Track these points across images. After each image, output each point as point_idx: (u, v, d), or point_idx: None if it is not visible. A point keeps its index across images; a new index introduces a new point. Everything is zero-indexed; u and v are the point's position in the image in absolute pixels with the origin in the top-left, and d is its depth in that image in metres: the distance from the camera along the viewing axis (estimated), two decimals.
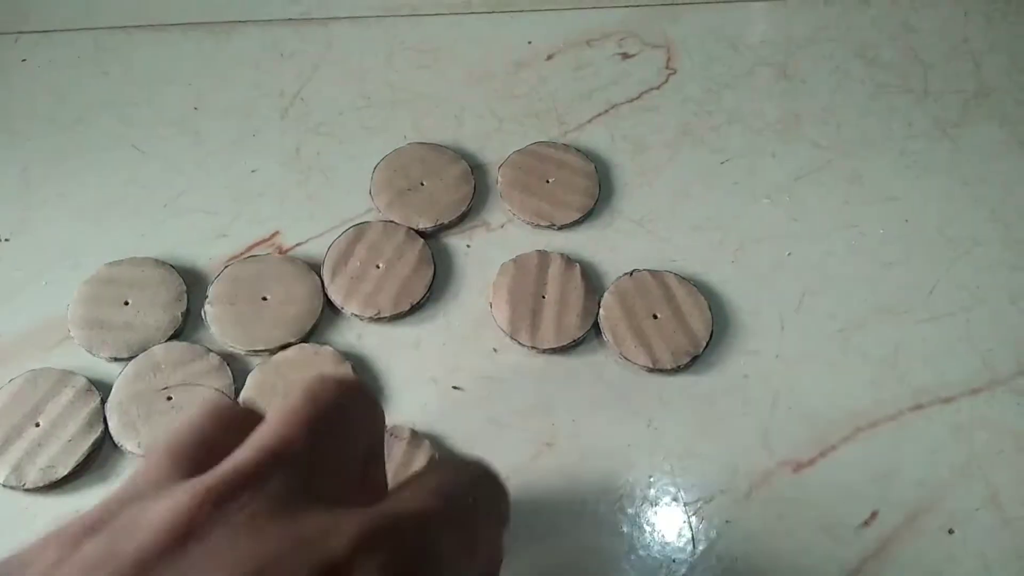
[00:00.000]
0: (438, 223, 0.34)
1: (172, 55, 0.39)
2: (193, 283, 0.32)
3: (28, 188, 0.36)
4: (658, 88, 0.39)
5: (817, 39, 0.40)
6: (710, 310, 0.31)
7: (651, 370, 0.30)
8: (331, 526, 0.15)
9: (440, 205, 0.34)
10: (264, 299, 0.31)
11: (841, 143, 0.37)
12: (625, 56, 0.40)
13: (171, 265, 0.32)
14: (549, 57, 0.40)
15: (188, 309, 0.32)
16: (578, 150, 0.36)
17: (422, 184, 0.34)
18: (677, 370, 0.30)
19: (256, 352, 0.31)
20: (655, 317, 0.31)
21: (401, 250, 0.33)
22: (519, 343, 0.31)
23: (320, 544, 0.15)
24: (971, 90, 0.39)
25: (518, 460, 0.29)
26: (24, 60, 0.39)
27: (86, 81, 0.39)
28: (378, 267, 0.32)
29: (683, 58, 0.39)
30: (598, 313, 0.31)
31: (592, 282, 0.32)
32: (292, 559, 0.15)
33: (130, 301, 0.31)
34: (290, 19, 0.41)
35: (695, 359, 0.30)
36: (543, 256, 0.32)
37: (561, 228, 0.34)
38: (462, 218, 0.34)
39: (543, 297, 0.31)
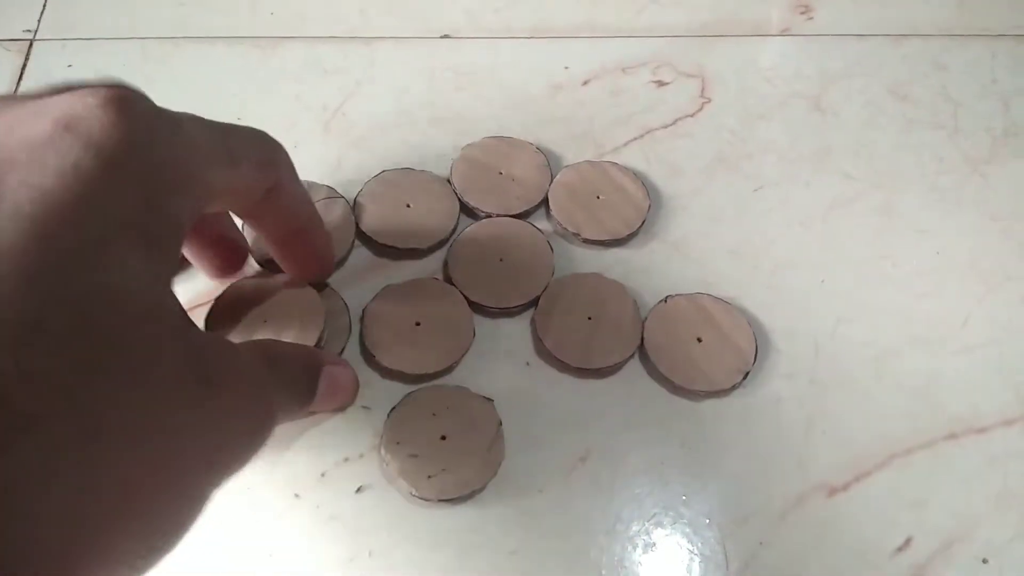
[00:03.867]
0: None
1: (217, 67, 0.40)
2: None
3: None
4: (692, 116, 0.39)
5: (850, 74, 0.41)
6: (750, 325, 0.32)
7: (708, 394, 0.31)
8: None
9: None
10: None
11: (873, 175, 0.37)
12: (660, 84, 0.40)
13: None
14: (585, 83, 0.40)
15: None
16: (629, 169, 0.36)
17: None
18: (732, 389, 0.31)
19: None
20: (699, 340, 0.31)
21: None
22: (558, 359, 0.31)
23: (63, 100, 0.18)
24: (1000, 128, 0.39)
25: (551, 474, 0.29)
26: (70, 66, 0.40)
27: None
28: None
29: (717, 88, 0.40)
30: (642, 340, 0.32)
31: (639, 311, 0.32)
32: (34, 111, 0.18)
33: None
34: (333, 36, 0.41)
35: (747, 375, 0.31)
36: (598, 279, 0.33)
37: (599, 245, 0.34)
38: None
39: (589, 319, 0.32)
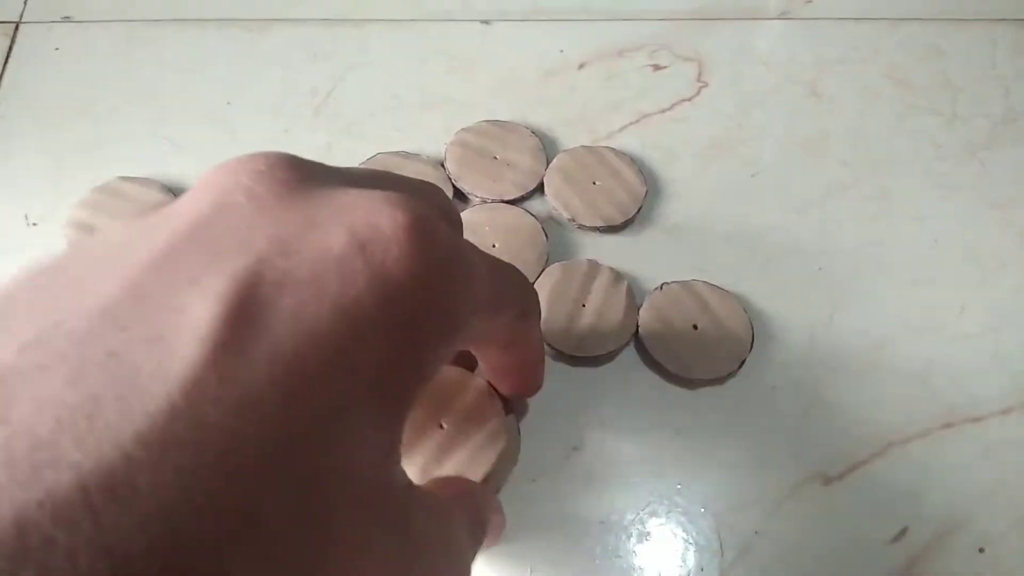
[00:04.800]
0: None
1: (206, 50, 0.40)
2: None
3: (60, 177, 0.36)
4: (690, 100, 0.39)
5: (847, 59, 0.40)
6: (746, 312, 0.32)
7: (704, 382, 0.30)
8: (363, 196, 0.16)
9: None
10: None
11: (870, 162, 0.37)
12: (656, 68, 0.40)
13: None
14: (581, 66, 0.40)
15: None
16: (626, 154, 0.36)
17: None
18: (728, 377, 0.30)
19: None
20: (695, 328, 0.31)
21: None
22: (549, 346, 0.30)
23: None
24: (999, 115, 0.39)
25: (545, 463, 0.29)
26: (57, 49, 0.39)
27: (120, 73, 0.39)
28: None
29: (715, 72, 0.40)
30: (636, 329, 0.31)
31: (634, 298, 0.32)
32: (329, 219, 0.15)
33: None
34: (324, 19, 0.41)
35: (742, 363, 0.30)
36: (592, 266, 0.32)
37: (595, 231, 0.34)
38: None
39: (583, 306, 0.31)
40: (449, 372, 0.25)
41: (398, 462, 0.16)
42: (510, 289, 0.20)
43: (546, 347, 0.31)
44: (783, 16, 0.42)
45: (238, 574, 0.12)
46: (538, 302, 0.22)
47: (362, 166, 0.34)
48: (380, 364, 0.15)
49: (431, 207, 0.16)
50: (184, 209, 0.15)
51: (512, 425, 0.27)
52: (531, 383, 0.26)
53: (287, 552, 0.13)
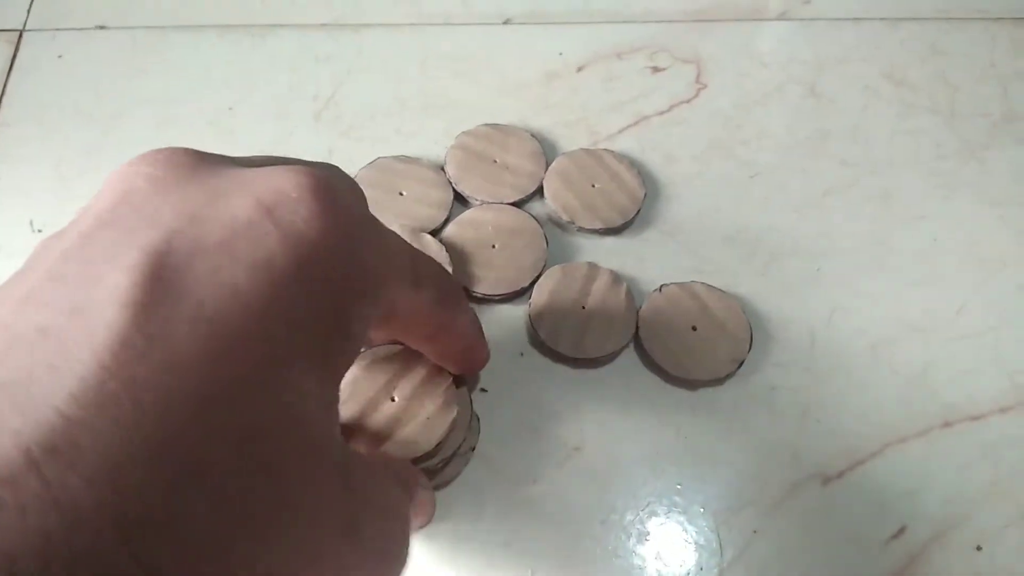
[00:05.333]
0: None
1: (208, 56, 0.40)
2: None
3: (62, 182, 0.36)
4: (688, 102, 0.39)
5: (846, 59, 0.40)
6: (745, 313, 0.32)
7: (703, 382, 0.31)
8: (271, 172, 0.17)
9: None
10: None
11: (870, 162, 0.37)
12: (655, 70, 0.40)
13: None
14: (580, 69, 0.40)
15: None
16: (625, 157, 0.36)
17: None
18: (727, 378, 0.31)
19: None
20: (694, 329, 0.31)
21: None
22: (552, 349, 0.31)
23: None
24: (998, 114, 0.39)
25: (545, 464, 0.29)
26: (61, 56, 0.40)
27: (123, 79, 0.39)
28: None
29: (713, 73, 0.40)
30: (636, 331, 0.31)
31: (633, 300, 0.32)
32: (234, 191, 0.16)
33: None
34: (324, 24, 0.41)
35: (741, 364, 0.31)
36: (592, 268, 0.33)
37: (594, 233, 0.34)
38: None
39: (583, 308, 0.31)
40: (397, 349, 0.26)
41: (337, 420, 0.17)
42: (426, 268, 0.21)
43: (547, 349, 0.31)
44: (782, 17, 0.42)
45: (190, 520, 0.12)
46: (460, 291, 0.23)
47: (361, 170, 0.35)
48: (306, 322, 0.15)
49: (333, 175, 0.18)
50: (92, 205, 0.16)
51: (464, 397, 0.28)
52: (472, 365, 0.27)
53: (234, 498, 0.13)
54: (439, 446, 0.25)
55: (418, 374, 0.26)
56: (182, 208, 0.15)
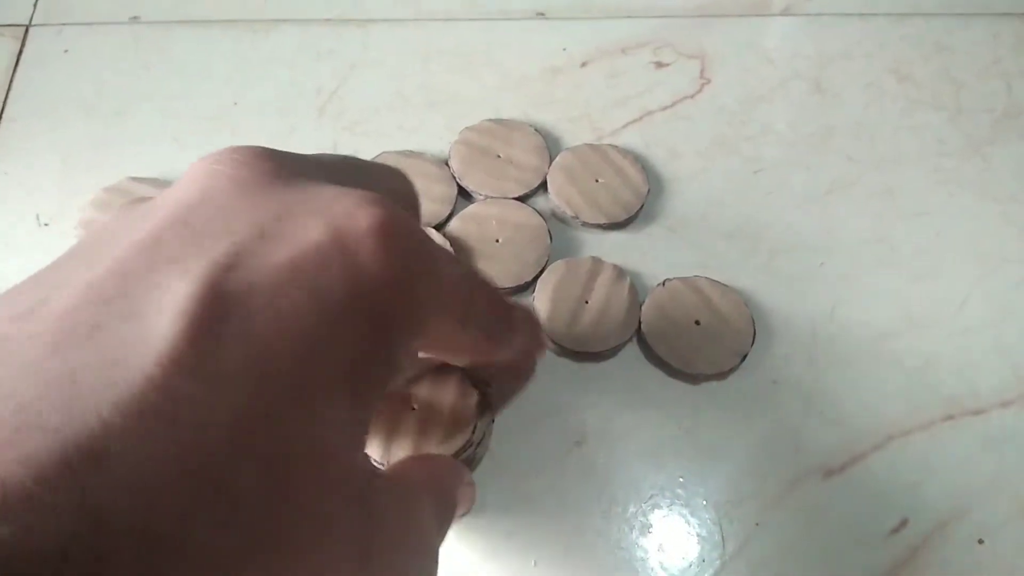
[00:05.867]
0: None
1: (212, 51, 0.40)
2: None
3: (67, 176, 0.36)
4: (692, 97, 0.39)
5: (851, 54, 0.40)
6: (747, 308, 0.32)
7: (706, 377, 0.31)
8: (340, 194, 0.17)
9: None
10: None
11: (874, 157, 0.37)
12: (659, 65, 0.40)
13: None
14: (584, 64, 0.40)
15: None
16: (628, 152, 0.36)
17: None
18: (730, 372, 0.31)
19: None
20: (697, 324, 0.31)
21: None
22: (553, 342, 0.31)
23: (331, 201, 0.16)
24: (1002, 110, 0.39)
25: (548, 457, 0.29)
26: (66, 51, 0.40)
27: (127, 74, 0.39)
28: None
29: (718, 69, 0.40)
30: (639, 325, 0.31)
31: (636, 294, 0.32)
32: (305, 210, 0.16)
33: None
34: (327, 19, 0.41)
35: (744, 358, 0.31)
36: (595, 263, 0.33)
37: (597, 228, 0.34)
38: None
39: (586, 303, 0.32)
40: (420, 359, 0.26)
41: (363, 448, 0.17)
42: (479, 306, 0.20)
43: (550, 343, 0.31)
44: (786, 12, 0.42)
45: (206, 539, 0.12)
46: (515, 324, 0.22)
47: None
48: (350, 353, 0.15)
49: (403, 218, 0.17)
50: (171, 197, 0.16)
51: (485, 408, 0.28)
52: (519, 371, 0.26)
53: (253, 522, 0.13)
54: (474, 431, 0.25)
55: (427, 374, 0.26)
56: (255, 220, 0.15)
